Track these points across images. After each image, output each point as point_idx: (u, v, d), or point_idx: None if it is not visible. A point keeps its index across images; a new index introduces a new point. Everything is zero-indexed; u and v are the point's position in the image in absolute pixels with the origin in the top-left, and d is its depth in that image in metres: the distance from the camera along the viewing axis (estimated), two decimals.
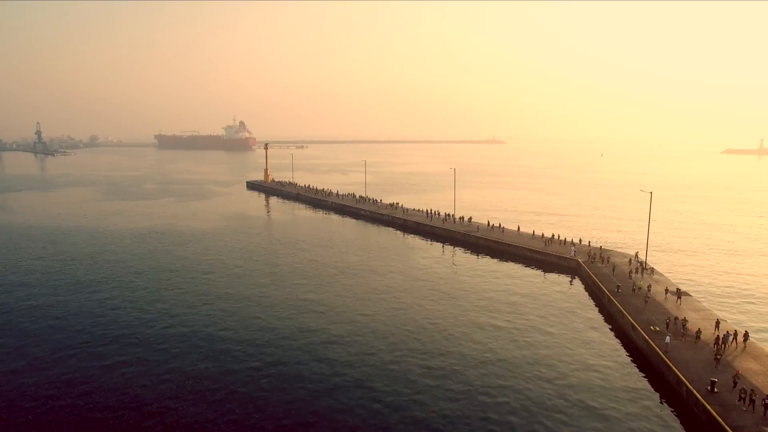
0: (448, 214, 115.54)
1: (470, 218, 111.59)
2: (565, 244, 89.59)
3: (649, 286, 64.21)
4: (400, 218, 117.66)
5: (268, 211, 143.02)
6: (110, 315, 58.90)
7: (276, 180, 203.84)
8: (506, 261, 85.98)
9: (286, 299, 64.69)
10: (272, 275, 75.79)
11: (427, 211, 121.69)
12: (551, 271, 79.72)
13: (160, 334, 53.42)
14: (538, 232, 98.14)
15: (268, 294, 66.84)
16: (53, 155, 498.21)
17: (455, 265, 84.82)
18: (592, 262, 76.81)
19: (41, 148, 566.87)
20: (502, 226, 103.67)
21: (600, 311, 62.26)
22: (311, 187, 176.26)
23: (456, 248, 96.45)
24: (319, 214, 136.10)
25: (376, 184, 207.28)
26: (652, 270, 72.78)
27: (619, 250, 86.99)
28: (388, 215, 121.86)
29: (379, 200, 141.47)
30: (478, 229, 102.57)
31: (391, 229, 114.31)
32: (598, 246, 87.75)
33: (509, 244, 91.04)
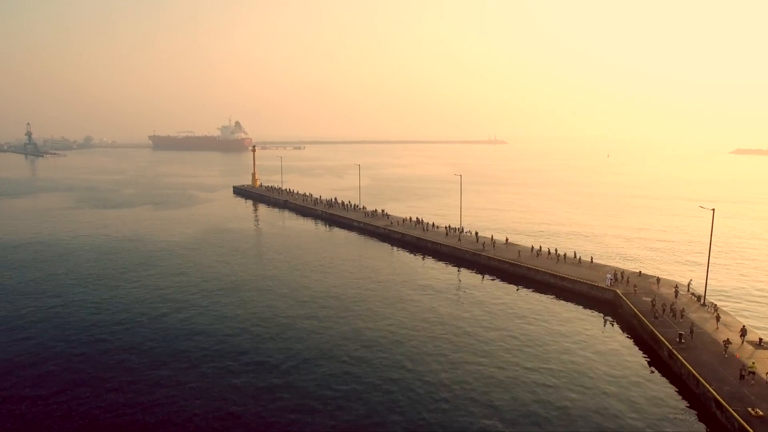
0: (453, 228, 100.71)
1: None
2: (592, 266, 74.75)
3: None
4: (398, 232, 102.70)
5: (250, 222, 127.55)
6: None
7: (265, 185, 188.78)
8: (523, 288, 71.19)
9: (247, 347, 49.85)
10: (231, 317, 60.89)
11: (418, 220, 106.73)
12: (580, 304, 64.94)
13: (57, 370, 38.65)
14: (560, 252, 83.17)
15: (225, 338, 51.94)
16: (42, 157, 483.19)
17: (459, 292, 69.71)
18: (634, 294, 61.97)
19: (32, 149, 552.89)
20: (516, 243, 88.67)
21: (659, 369, 47.33)
22: (301, 193, 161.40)
23: (461, 269, 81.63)
24: (308, 225, 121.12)
25: (372, 188, 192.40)
26: (715, 307, 57.75)
27: (663, 276, 71.77)
28: (383, 228, 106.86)
29: (369, 209, 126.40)
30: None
31: (386, 244, 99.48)
32: (636, 271, 72.87)
33: (528, 268, 76.01)
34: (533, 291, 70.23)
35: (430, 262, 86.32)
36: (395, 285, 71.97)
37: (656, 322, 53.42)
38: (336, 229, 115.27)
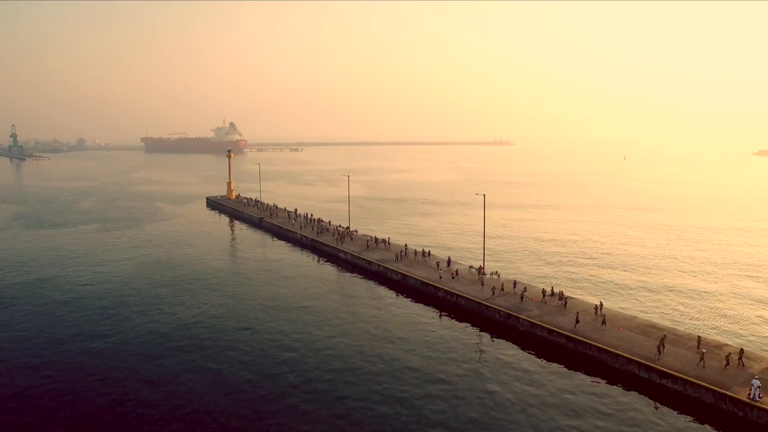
0: (473, 268, 73.64)
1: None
2: (683, 339, 47.48)
3: None
4: (398, 272, 75.48)
5: (211, 251, 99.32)
6: None
7: (245, 195, 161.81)
8: (587, 379, 44.27)
9: None
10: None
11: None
12: (700, 421, 38.19)
13: None
14: (636, 312, 56.14)
15: None
16: (25, 160, 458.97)
17: (487, 385, 42.56)
18: None
19: (17, 151, 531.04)
20: (563, 295, 61.35)
21: None
22: (279, 208, 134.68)
23: (483, 335, 55.14)
24: (282, 254, 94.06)
25: (369, 200, 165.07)
26: None
27: None
28: (378, 264, 79.66)
29: (360, 232, 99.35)
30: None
31: (384, 288, 72.53)
32: None
33: (596, 346, 48.72)
34: (604, 382, 43.62)
35: (444, 324, 59.11)
36: (398, 352, 44.86)
37: None
38: (318, 263, 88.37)
